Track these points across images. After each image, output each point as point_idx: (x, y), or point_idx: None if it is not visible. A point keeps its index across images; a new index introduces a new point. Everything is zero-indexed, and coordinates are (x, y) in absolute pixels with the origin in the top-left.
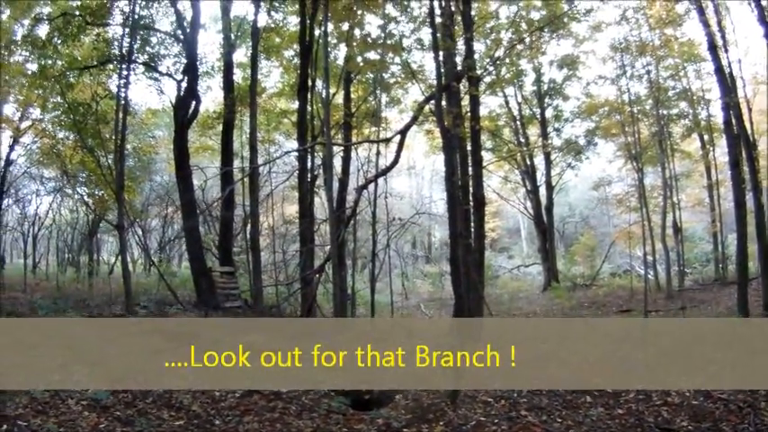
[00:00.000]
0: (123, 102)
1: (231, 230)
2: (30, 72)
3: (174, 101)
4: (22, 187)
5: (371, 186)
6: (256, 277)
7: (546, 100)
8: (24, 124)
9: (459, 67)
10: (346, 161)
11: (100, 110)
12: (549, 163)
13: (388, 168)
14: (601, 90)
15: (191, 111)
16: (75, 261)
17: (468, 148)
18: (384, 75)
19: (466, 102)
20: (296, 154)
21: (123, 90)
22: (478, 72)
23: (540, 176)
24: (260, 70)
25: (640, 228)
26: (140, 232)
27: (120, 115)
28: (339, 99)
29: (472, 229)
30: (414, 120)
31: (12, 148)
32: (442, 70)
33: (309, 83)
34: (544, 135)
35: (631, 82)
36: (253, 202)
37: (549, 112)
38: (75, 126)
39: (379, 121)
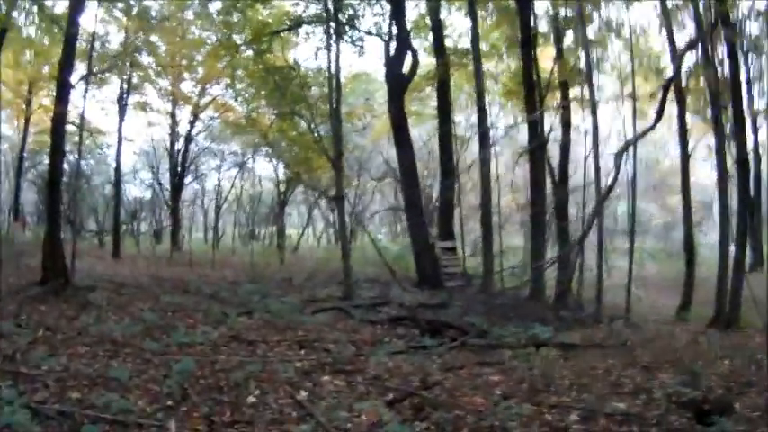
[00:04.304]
0: (336, 61)
1: (452, 202)
2: (210, 44)
3: (384, 62)
4: (201, 164)
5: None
6: (487, 258)
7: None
8: (204, 100)
9: None
10: (567, 126)
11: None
12: (755, 127)
13: (650, 128)
14: None
15: (408, 70)
16: (258, 235)
17: None
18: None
19: None
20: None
21: (333, 48)
22: None
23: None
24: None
25: None
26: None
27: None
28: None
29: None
30: (677, 71)
31: (192, 124)
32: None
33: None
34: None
35: None
36: (484, 178)
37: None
38: (278, 91)
39: (590, 80)
